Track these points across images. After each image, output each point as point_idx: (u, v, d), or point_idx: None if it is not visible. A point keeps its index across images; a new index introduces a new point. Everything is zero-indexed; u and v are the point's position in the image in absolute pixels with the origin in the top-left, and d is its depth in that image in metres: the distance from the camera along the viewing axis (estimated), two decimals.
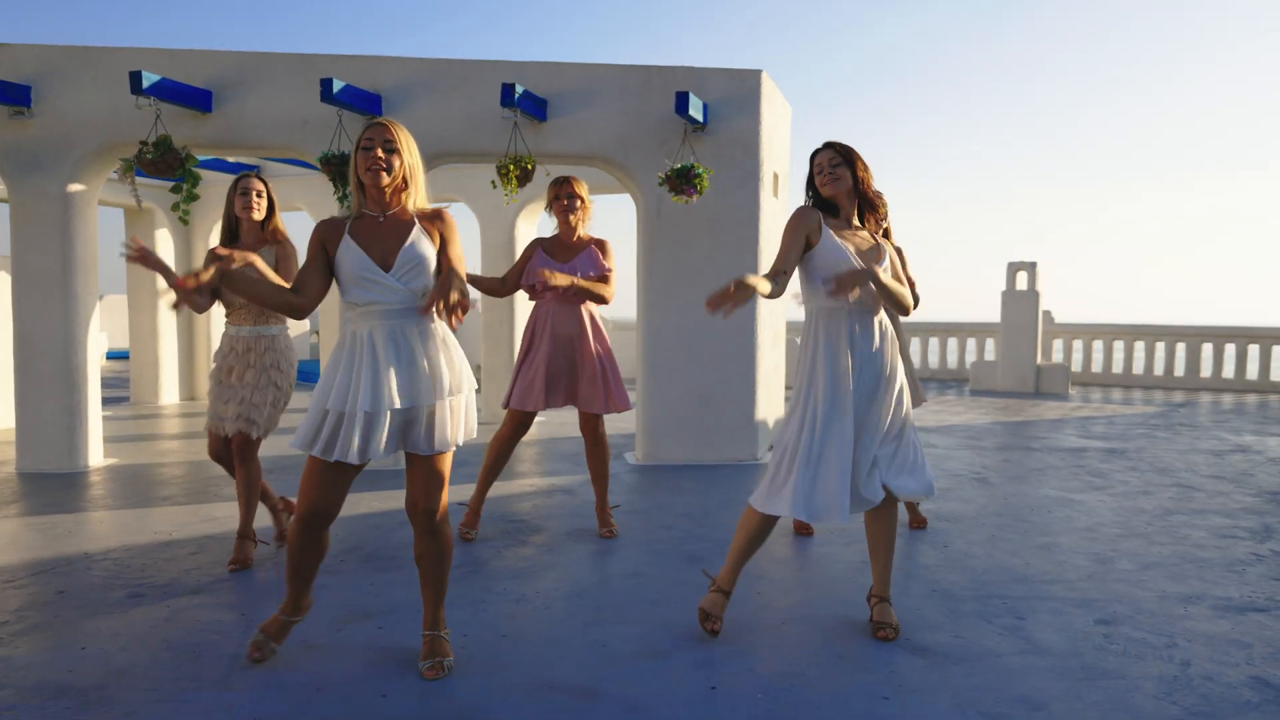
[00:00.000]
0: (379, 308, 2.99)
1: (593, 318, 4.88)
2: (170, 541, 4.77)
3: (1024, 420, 10.19)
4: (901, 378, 3.46)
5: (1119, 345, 15.79)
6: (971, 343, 16.29)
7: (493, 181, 6.30)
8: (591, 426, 4.89)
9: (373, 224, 3.04)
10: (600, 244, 4.89)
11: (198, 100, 6.56)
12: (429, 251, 3.01)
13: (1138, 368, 15.39)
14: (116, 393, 12.06)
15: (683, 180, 6.25)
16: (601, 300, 4.75)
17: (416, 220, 3.06)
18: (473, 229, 9.61)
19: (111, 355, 18.36)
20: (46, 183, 6.75)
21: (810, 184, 3.52)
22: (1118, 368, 15.70)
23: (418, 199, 3.09)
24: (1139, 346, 15.54)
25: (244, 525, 4.37)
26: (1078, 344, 15.97)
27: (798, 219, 3.38)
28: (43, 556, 4.47)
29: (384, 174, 2.99)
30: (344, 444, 2.95)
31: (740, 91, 6.90)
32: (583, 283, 4.66)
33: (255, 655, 3.17)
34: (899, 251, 4.63)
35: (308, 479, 3.03)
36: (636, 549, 4.69)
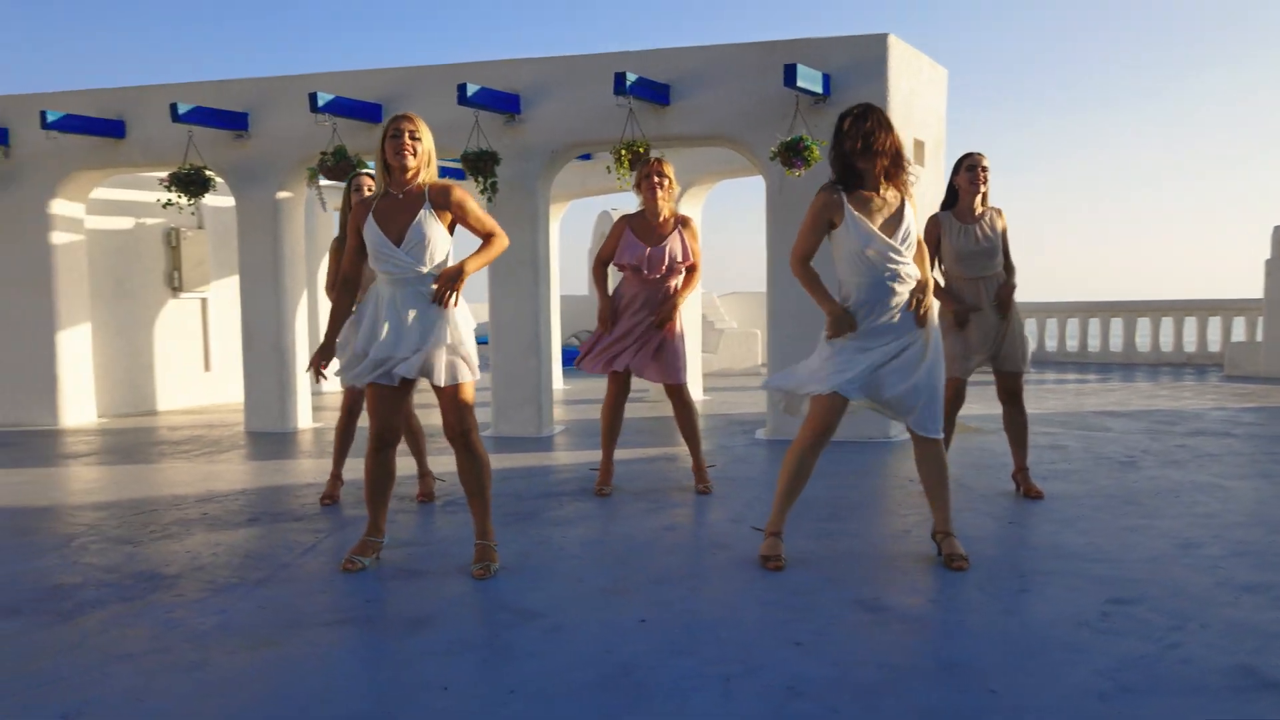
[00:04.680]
0: (394, 276, 3.55)
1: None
2: (302, 485, 5.56)
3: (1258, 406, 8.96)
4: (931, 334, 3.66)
5: None
6: (1216, 322, 14.18)
7: (607, 166, 6.62)
8: (675, 393, 5.15)
9: (393, 201, 3.58)
10: (685, 222, 5.09)
11: (368, 113, 7.45)
12: (434, 231, 3.55)
13: None
14: None
15: (791, 153, 6.23)
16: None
17: (428, 197, 3.55)
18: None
19: None
20: (261, 193, 7.97)
21: (840, 151, 3.60)
22: None
23: (432, 177, 3.64)
24: None
25: (422, 464, 5.17)
26: None
27: (819, 207, 3.61)
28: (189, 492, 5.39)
29: (410, 156, 3.52)
30: (376, 371, 3.61)
31: (864, 59, 6.71)
32: (681, 302, 5.08)
33: (349, 567, 3.75)
34: (997, 216, 4.85)
35: (370, 407, 3.70)
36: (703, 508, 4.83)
